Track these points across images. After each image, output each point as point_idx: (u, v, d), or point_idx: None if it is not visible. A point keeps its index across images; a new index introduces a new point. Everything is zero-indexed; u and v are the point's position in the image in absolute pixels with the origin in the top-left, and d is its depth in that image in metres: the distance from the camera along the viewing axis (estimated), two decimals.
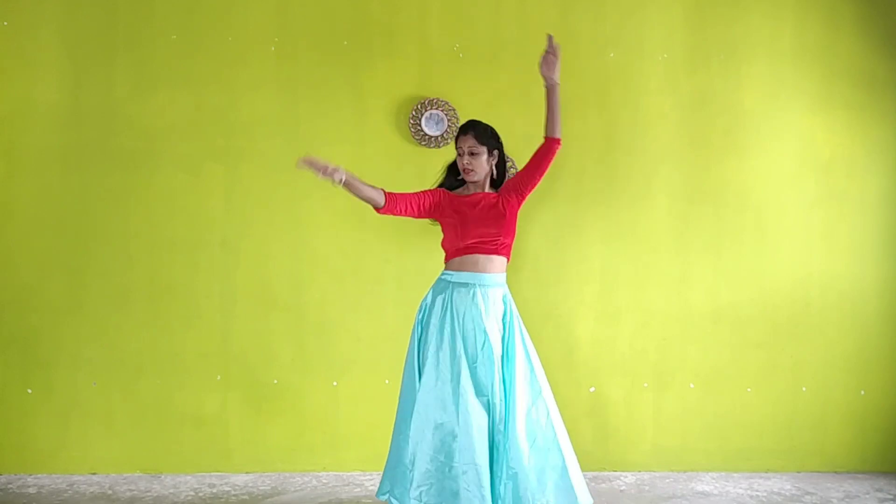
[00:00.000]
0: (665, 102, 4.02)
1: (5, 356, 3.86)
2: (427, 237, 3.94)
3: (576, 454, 4.10)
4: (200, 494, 3.62)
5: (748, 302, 4.04)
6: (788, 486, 3.81)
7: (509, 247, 3.16)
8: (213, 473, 3.90)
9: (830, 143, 4.06)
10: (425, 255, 3.94)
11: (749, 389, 4.03)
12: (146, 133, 3.89)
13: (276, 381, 3.93)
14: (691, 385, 4.03)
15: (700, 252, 4.03)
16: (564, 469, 2.98)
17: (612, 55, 4.02)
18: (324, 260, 3.95)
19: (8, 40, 3.86)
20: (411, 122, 3.91)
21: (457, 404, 2.92)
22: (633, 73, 4.02)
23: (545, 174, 3.15)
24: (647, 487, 3.78)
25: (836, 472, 4.02)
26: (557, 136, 3.11)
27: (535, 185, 3.16)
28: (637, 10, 4.03)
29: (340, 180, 2.91)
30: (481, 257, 3.08)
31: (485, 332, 2.99)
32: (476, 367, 2.97)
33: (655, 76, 4.02)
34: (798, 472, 4.01)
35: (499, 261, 3.12)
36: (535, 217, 3.95)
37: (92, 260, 3.88)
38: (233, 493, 3.65)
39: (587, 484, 3.82)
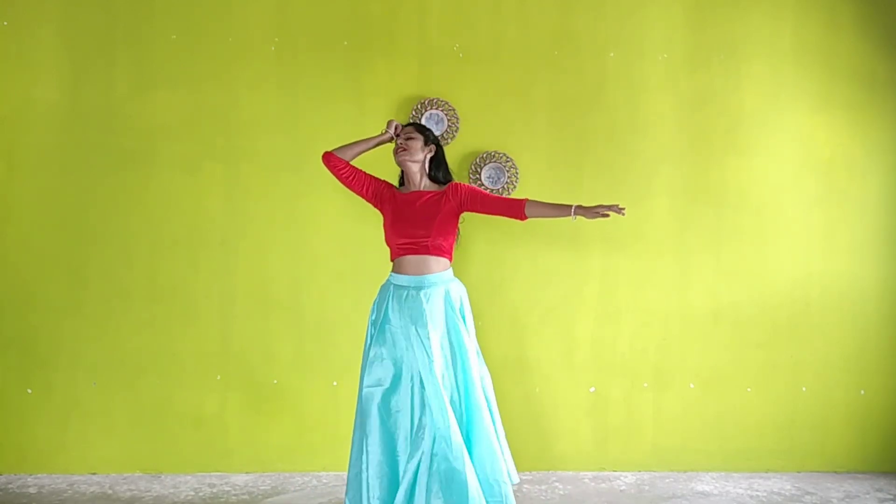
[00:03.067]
0: (665, 102, 4.02)
1: (5, 356, 3.86)
2: None
3: (574, 453, 4.12)
4: (200, 494, 3.62)
5: (748, 302, 4.04)
6: (788, 486, 3.81)
7: (442, 248, 3.17)
8: (213, 473, 3.90)
9: (830, 143, 4.05)
10: None
11: (749, 389, 4.03)
12: (146, 133, 3.89)
13: (276, 381, 3.93)
14: (691, 385, 4.03)
15: (700, 252, 4.03)
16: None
17: (612, 55, 4.02)
18: (324, 260, 3.95)
19: (8, 40, 3.86)
20: (411, 122, 3.91)
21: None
22: (633, 73, 4.02)
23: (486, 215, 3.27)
24: (647, 487, 3.78)
25: (836, 472, 4.02)
26: (527, 217, 3.17)
27: (477, 211, 3.23)
28: (637, 10, 4.03)
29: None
30: (412, 258, 3.15)
31: (411, 336, 3.04)
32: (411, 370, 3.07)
33: (655, 76, 4.02)
34: (798, 472, 4.01)
35: (433, 261, 3.15)
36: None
37: (92, 260, 3.88)
38: (233, 493, 3.65)
39: (585, 482, 3.83)
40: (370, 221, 3.92)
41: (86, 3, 3.89)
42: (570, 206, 3.10)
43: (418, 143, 3.26)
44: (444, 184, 3.29)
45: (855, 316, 4.05)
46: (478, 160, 3.92)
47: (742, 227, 4.04)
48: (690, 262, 4.03)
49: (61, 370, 3.87)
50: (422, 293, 3.08)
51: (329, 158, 3.27)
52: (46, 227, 3.87)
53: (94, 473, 3.88)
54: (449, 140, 3.92)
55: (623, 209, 3.05)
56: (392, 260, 3.26)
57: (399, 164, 3.30)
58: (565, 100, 4.01)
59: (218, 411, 3.91)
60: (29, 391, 3.87)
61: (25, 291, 3.87)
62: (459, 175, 3.93)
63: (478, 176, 3.92)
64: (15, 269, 3.87)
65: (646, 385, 4.02)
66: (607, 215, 3.07)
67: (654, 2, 4.03)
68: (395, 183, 3.41)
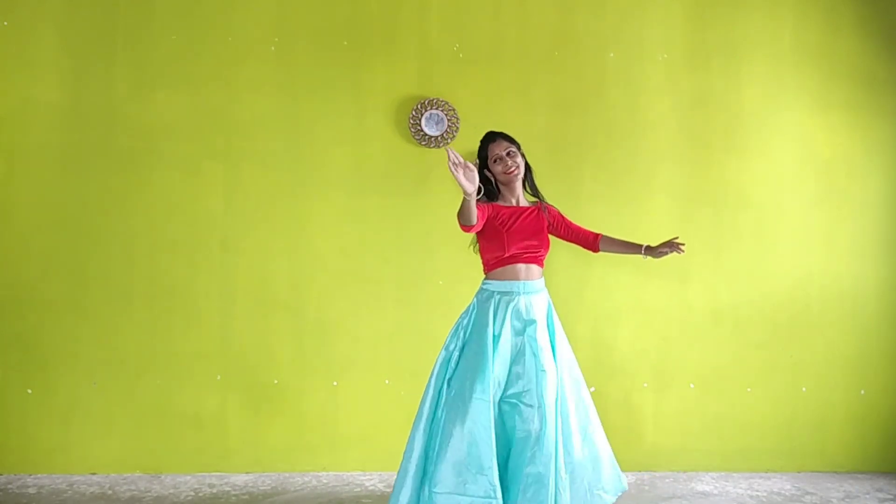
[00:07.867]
0: (665, 102, 4.03)
1: (5, 356, 3.86)
2: (426, 238, 3.95)
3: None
4: (200, 494, 3.63)
5: (748, 302, 4.04)
6: (788, 486, 3.81)
7: (544, 259, 3.21)
8: (213, 473, 3.90)
9: (830, 143, 4.06)
10: (425, 255, 3.95)
11: (749, 389, 4.03)
12: (146, 133, 3.89)
13: (276, 381, 3.93)
14: (691, 385, 4.03)
15: (700, 252, 4.03)
16: (611, 456, 3.12)
17: (612, 55, 4.02)
18: (324, 260, 3.95)
19: (8, 40, 3.86)
20: (411, 122, 3.91)
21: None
22: (633, 73, 4.02)
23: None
24: (647, 487, 3.78)
25: (836, 472, 4.02)
26: (599, 251, 3.29)
27: (556, 235, 3.27)
28: (637, 10, 4.03)
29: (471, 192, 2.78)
30: (522, 266, 3.13)
31: (522, 335, 3.05)
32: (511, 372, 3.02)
33: (655, 76, 4.03)
34: (798, 472, 4.01)
35: (536, 269, 3.16)
36: None
37: (92, 260, 3.88)
38: (233, 493, 3.65)
39: None
40: (370, 222, 3.92)
41: (86, 3, 3.89)
42: (640, 246, 3.17)
43: (518, 156, 3.15)
44: (532, 193, 3.26)
45: (855, 316, 4.06)
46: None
47: (742, 227, 4.04)
48: (690, 262, 4.03)
49: (61, 370, 3.87)
50: (531, 297, 3.11)
51: (468, 229, 3.03)
52: (46, 227, 3.87)
53: (94, 473, 3.88)
54: (449, 140, 3.93)
55: (682, 246, 3.09)
56: (491, 270, 3.15)
57: (507, 184, 3.16)
58: (565, 100, 4.01)
59: (218, 411, 3.91)
60: (29, 391, 3.87)
61: (25, 291, 3.87)
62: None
63: None
64: (15, 269, 3.87)
65: (646, 385, 4.02)
66: (680, 250, 3.11)
67: (654, 2, 4.03)
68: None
